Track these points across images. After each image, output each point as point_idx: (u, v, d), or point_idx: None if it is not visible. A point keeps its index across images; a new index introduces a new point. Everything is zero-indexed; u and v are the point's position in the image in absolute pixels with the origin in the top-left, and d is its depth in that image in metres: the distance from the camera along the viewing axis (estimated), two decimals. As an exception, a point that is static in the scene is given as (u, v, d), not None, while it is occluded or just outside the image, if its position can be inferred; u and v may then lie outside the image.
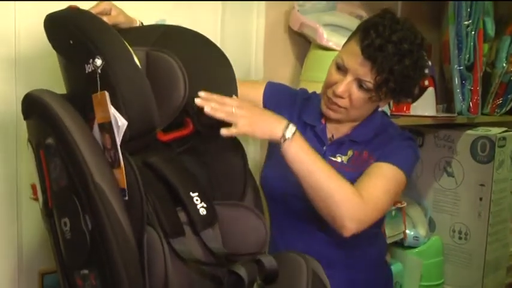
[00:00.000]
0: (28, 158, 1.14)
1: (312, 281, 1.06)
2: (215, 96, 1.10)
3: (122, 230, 0.94)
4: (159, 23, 1.46)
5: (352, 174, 1.30)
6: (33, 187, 1.22)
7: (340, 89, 1.27)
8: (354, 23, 1.99)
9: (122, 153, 0.97)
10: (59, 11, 1.11)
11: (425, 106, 2.04)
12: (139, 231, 0.97)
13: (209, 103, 1.08)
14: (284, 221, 1.41)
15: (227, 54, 1.19)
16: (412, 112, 2.04)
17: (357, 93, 1.27)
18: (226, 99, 1.11)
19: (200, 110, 1.11)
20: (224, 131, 1.11)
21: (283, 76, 1.98)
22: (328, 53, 1.83)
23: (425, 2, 2.41)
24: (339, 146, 1.37)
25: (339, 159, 1.36)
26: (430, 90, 2.04)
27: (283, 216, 1.42)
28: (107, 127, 0.97)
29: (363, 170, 1.30)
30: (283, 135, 1.15)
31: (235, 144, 1.23)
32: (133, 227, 0.96)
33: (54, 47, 1.12)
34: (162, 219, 1.02)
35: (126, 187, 0.97)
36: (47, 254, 1.33)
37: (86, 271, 0.98)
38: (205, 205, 1.09)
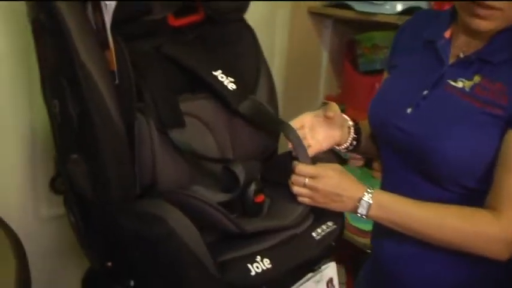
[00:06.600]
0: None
1: None
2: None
3: (108, 114, 0.89)
4: None
5: (471, 107, 0.99)
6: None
7: None
8: None
9: (112, 34, 0.90)
10: None
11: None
12: (129, 116, 0.92)
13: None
14: (388, 161, 1.15)
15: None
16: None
17: None
18: (303, 168, 0.98)
19: None
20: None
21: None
22: None
23: None
24: (464, 66, 1.04)
25: (459, 85, 1.03)
26: None
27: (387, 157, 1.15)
28: (98, 5, 0.90)
29: (489, 109, 0.98)
30: (359, 213, 1.00)
31: (248, 32, 1.17)
32: (123, 112, 0.91)
33: None
34: (160, 108, 0.97)
35: (116, 69, 0.91)
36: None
37: (75, 155, 0.95)
38: (232, 79, 1.05)
